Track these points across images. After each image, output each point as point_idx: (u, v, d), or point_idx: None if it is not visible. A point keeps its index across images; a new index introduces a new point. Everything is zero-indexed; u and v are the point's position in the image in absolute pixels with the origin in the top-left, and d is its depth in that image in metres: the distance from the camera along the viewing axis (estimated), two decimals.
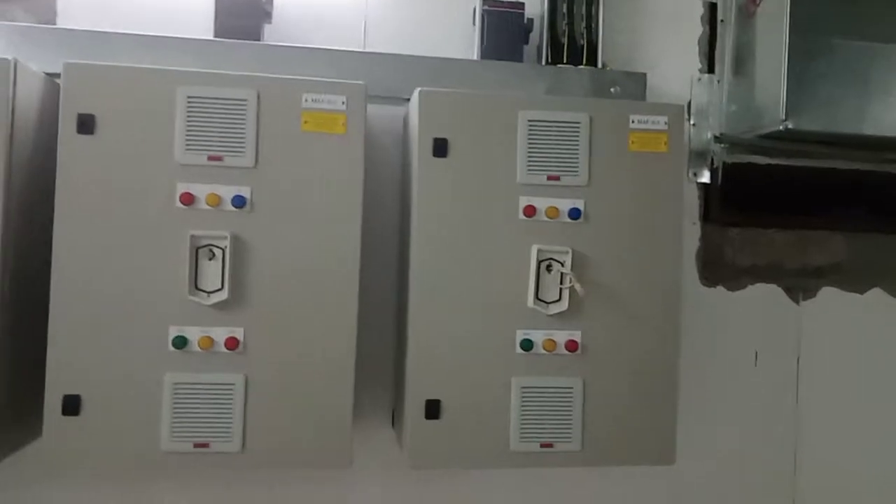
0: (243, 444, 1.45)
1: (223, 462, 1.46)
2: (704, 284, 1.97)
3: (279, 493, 1.77)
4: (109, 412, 1.42)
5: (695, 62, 1.97)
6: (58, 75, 1.44)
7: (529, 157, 1.55)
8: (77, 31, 1.67)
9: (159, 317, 1.43)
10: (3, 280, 1.39)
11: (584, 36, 1.83)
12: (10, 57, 1.41)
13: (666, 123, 1.58)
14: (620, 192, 1.58)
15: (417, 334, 1.52)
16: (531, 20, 1.82)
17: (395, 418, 1.72)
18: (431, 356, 1.52)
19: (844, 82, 1.73)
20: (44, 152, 1.47)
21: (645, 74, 1.86)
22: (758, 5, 1.83)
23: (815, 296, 2.04)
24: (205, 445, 1.45)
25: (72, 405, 1.41)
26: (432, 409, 1.51)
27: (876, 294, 2.07)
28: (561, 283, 1.55)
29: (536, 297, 1.54)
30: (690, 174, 1.94)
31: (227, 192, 1.44)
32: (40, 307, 1.42)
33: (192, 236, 1.43)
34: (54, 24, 1.73)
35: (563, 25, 1.82)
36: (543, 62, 1.82)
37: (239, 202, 1.44)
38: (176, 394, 1.43)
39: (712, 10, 1.98)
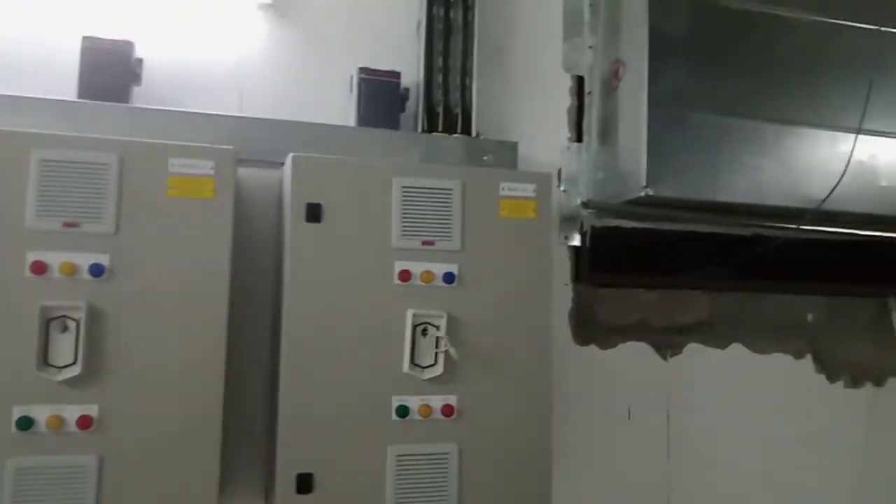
0: None
1: None
2: (578, 343, 2.03)
3: None
4: None
5: (564, 131, 2.07)
6: None
7: (404, 222, 1.57)
8: None
9: (3, 395, 1.32)
10: None
11: (460, 105, 1.89)
12: None
13: (534, 191, 1.65)
14: (493, 257, 1.62)
15: (289, 404, 1.47)
16: (407, 89, 1.86)
17: (268, 495, 1.65)
18: (303, 427, 1.47)
19: (700, 153, 1.87)
20: None
21: (517, 143, 1.94)
22: (619, 80, 1.96)
23: (681, 352, 2.14)
24: None
25: None
26: (304, 483, 1.46)
27: (736, 349, 2.20)
28: (436, 346, 1.56)
29: (412, 361, 1.54)
30: (562, 238, 2.02)
31: (84, 259, 1.37)
32: None
33: (43, 307, 1.34)
34: None
35: (438, 95, 1.88)
36: (419, 130, 1.87)
37: (96, 270, 1.37)
38: (19, 481, 1.31)
39: (580, 82, 2.10)
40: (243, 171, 1.56)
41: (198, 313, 1.43)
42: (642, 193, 1.80)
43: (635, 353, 2.09)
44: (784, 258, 2.23)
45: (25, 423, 1.32)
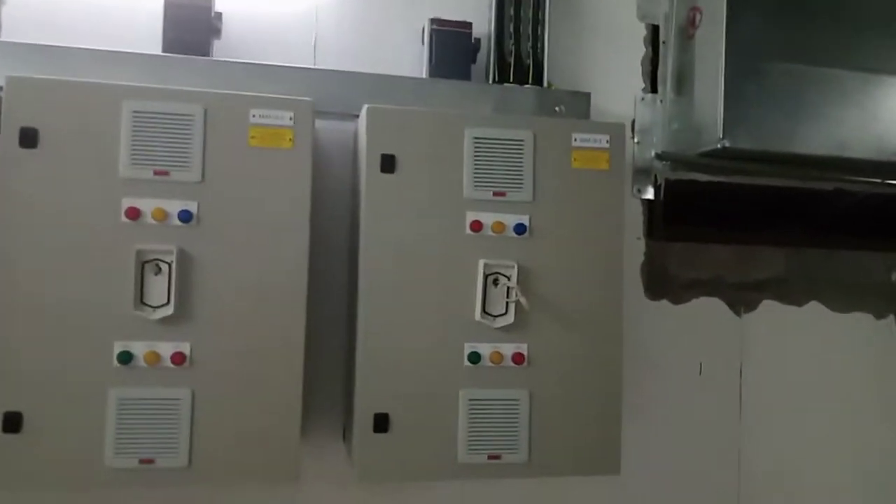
0: (190, 460, 1.44)
1: (169, 478, 1.45)
2: (649, 298, 2.02)
3: None
4: (53, 429, 1.40)
5: (638, 82, 2.03)
6: (1, 88, 1.43)
7: (475, 173, 1.58)
8: (22, 45, 1.65)
9: (104, 332, 1.42)
10: None
11: (531, 56, 1.87)
12: None
13: (607, 142, 1.63)
14: (564, 208, 1.62)
15: (366, 348, 1.53)
16: (479, 40, 1.86)
17: (346, 433, 1.73)
18: (380, 370, 1.53)
19: (779, 103, 1.81)
20: None
21: (589, 94, 1.92)
22: (696, 28, 1.90)
23: (755, 308, 2.10)
24: (150, 461, 1.43)
25: (12, 422, 1.38)
26: (381, 423, 1.52)
27: (814, 307, 2.15)
28: (507, 297, 1.58)
29: (483, 310, 1.57)
30: (635, 191, 2.00)
31: (174, 206, 1.44)
32: None
33: (139, 251, 1.42)
34: None
35: (509, 45, 1.87)
36: (490, 81, 1.86)
37: (185, 217, 1.44)
38: (121, 409, 1.42)
39: (654, 31, 2.05)
40: (318, 123, 1.59)
41: (279, 258, 1.49)
42: (718, 145, 1.77)
43: (708, 309, 2.07)
44: (866, 213, 2.16)
45: (126, 357, 1.42)
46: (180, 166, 1.46)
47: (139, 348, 1.43)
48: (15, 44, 1.66)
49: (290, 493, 1.76)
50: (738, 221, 2.09)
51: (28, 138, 1.41)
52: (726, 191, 2.07)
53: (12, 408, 1.39)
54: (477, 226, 1.57)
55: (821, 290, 2.16)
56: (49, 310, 1.40)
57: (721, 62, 1.77)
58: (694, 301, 2.07)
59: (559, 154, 1.62)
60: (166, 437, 1.44)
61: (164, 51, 1.71)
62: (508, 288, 1.58)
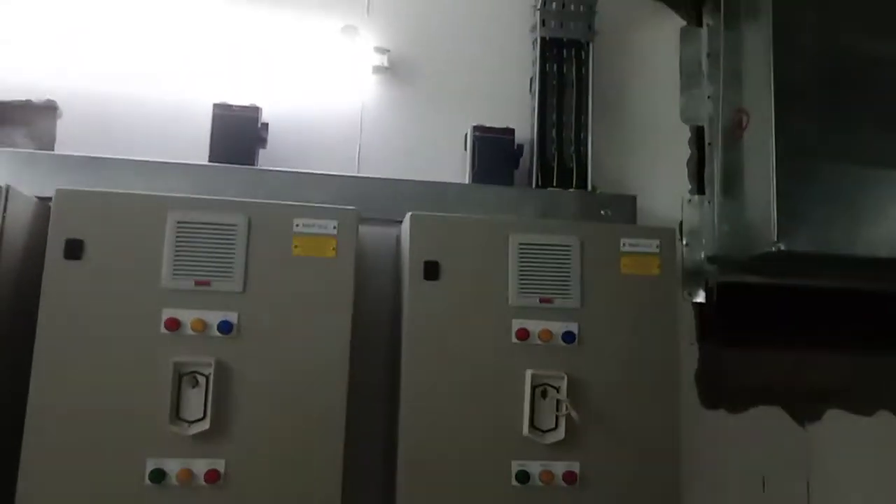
0: None
1: None
2: (705, 406, 1.91)
3: None
4: None
5: (684, 184, 2.00)
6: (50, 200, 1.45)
7: (521, 279, 1.53)
8: (74, 157, 1.70)
9: (138, 447, 1.36)
10: None
11: (574, 159, 1.86)
12: (2, 183, 1.42)
13: (658, 246, 1.58)
14: (614, 315, 1.55)
15: (408, 464, 1.45)
16: (521, 145, 1.86)
17: None
18: (423, 490, 1.44)
19: (835, 204, 1.75)
20: (33, 275, 1.46)
21: (635, 196, 1.89)
22: (744, 129, 1.88)
23: (820, 419, 1.97)
24: None
25: None
26: None
27: (884, 417, 2.00)
28: (557, 409, 1.50)
29: (532, 424, 1.48)
30: (685, 294, 1.92)
31: (214, 317, 1.42)
32: (15, 437, 1.36)
33: (176, 363, 1.38)
34: (52, 149, 1.76)
35: (552, 150, 1.86)
36: (534, 185, 1.85)
37: (225, 328, 1.41)
38: None
39: (699, 133, 2.03)
40: (361, 228, 1.57)
41: (320, 370, 1.44)
42: (773, 248, 1.70)
43: (768, 419, 1.94)
44: None
45: (158, 476, 1.36)
46: (222, 276, 1.44)
47: (173, 465, 1.37)
48: (67, 156, 1.71)
49: None
50: (797, 324, 1.99)
51: (73, 250, 1.41)
52: (782, 293, 1.98)
53: None
54: (523, 334, 1.51)
55: (891, 398, 2.02)
56: (86, 421, 1.35)
57: (772, 163, 1.73)
58: (752, 410, 1.95)
59: (608, 259, 1.57)
60: None
61: (210, 160, 1.74)
62: (558, 401, 1.49)
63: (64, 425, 1.35)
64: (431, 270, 1.52)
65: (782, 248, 1.69)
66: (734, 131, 1.92)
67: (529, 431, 1.48)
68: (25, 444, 1.34)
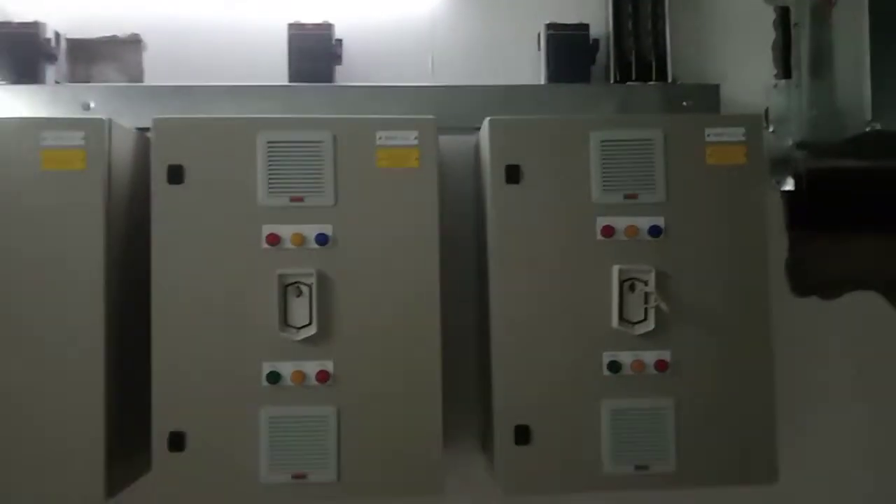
0: (339, 475, 1.48)
1: (321, 492, 1.49)
2: (796, 294, 1.90)
3: None
4: (211, 447, 1.47)
5: (769, 69, 1.92)
6: (148, 129, 1.53)
7: (604, 176, 1.54)
8: (163, 87, 1.78)
9: (254, 353, 1.48)
10: (109, 324, 1.48)
11: (652, 51, 1.81)
12: (104, 116, 1.52)
13: (743, 135, 1.55)
14: (701, 207, 1.55)
15: (502, 362, 1.52)
16: (597, 40, 1.82)
17: (485, 442, 1.72)
18: (518, 382, 1.52)
19: None
20: (139, 203, 1.56)
21: (717, 86, 1.83)
22: (833, 4, 1.77)
23: None
24: (302, 476, 1.48)
25: (177, 441, 1.47)
26: (522, 435, 1.50)
27: None
28: (645, 302, 1.53)
29: (621, 317, 1.52)
30: (773, 182, 1.88)
31: (310, 230, 1.49)
32: (141, 348, 1.49)
33: (280, 275, 1.48)
34: (142, 81, 1.84)
35: (629, 43, 1.81)
36: (612, 81, 1.82)
37: (322, 240, 1.49)
38: (272, 427, 1.48)
39: (784, 14, 1.92)
40: (440, 139, 1.60)
41: (412, 273, 1.51)
42: (867, 129, 1.63)
43: (863, 304, 1.92)
44: None
45: (274, 377, 1.48)
46: (314, 191, 1.50)
47: (286, 368, 1.48)
48: (157, 87, 1.79)
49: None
50: (892, 209, 1.93)
51: (175, 175, 1.50)
52: (876, 177, 1.91)
53: (176, 428, 1.47)
54: (608, 231, 1.53)
55: None
56: (203, 334, 1.48)
57: (865, 39, 1.64)
58: (846, 297, 1.92)
59: (692, 151, 1.55)
60: (316, 453, 1.48)
61: (290, 81, 1.78)
62: (646, 293, 1.52)
63: (188, 338, 1.48)
64: (513, 174, 1.54)
65: (878, 127, 1.62)
66: (822, 9, 1.81)
67: (619, 324, 1.52)
68: (155, 358, 1.47)
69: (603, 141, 1.54)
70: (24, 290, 1.47)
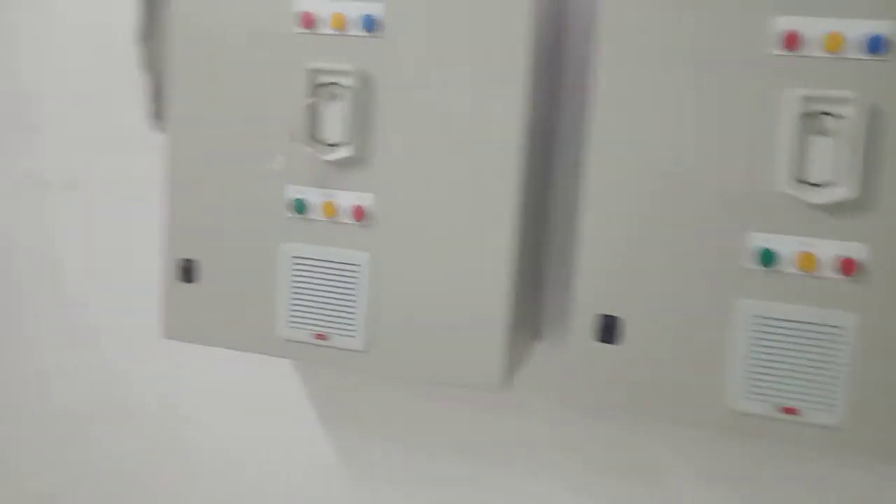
0: (366, 344, 1.15)
1: (342, 360, 1.18)
2: None
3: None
4: (227, 282, 1.21)
5: None
6: None
7: None
8: None
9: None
10: None
11: None
12: None
13: None
14: None
15: (592, 231, 1.05)
16: None
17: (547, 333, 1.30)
18: (608, 266, 1.05)
19: None
20: None
21: None
22: None
23: None
24: (323, 338, 1.18)
25: (187, 271, 1.22)
26: (608, 331, 1.05)
27: None
28: (841, 152, 0.96)
29: (796, 175, 0.97)
30: None
31: (355, 9, 1.10)
32: None
33: (310, 70, 1.12)
34: None
35: None
36: None
37: (369, 25, 1.10)
38: (295, 271, 1.17)
39: None
40: None
41: (489, 87, 1.07)
42: None
43: None
44: None
45: (300, 207, 1.16)
46: None
47: (315, 196, 1.15)
48: None
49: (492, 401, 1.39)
50: None
51: None
52: None
53: (188, 255, 1.22)
54: (791, 41, 0.96)
55: None
56: (230, 150, 1.18)
57: None
58: None
59: None
60: (341, 310, 1.16)
61: None
62: (845, 137, 0.95)
63: (202, 159, 1.19)
64: None
65: None
66: None
67: (791, 186, 0.97)
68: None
69: None
70: None
